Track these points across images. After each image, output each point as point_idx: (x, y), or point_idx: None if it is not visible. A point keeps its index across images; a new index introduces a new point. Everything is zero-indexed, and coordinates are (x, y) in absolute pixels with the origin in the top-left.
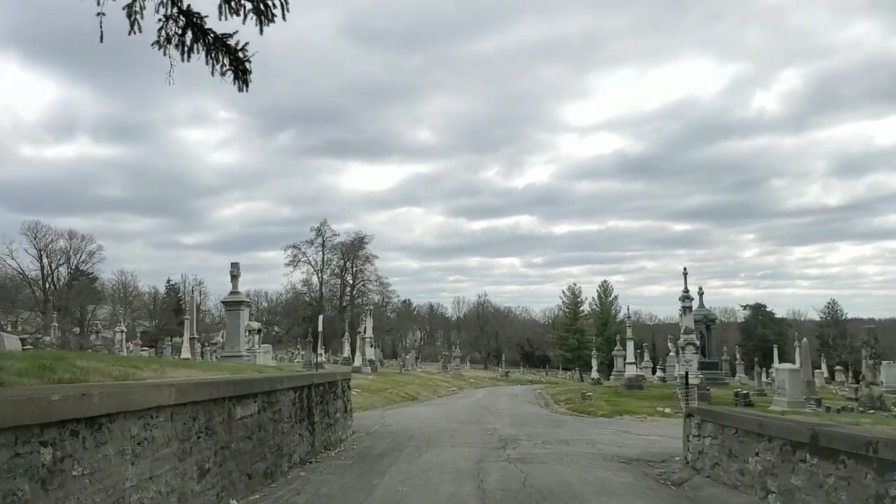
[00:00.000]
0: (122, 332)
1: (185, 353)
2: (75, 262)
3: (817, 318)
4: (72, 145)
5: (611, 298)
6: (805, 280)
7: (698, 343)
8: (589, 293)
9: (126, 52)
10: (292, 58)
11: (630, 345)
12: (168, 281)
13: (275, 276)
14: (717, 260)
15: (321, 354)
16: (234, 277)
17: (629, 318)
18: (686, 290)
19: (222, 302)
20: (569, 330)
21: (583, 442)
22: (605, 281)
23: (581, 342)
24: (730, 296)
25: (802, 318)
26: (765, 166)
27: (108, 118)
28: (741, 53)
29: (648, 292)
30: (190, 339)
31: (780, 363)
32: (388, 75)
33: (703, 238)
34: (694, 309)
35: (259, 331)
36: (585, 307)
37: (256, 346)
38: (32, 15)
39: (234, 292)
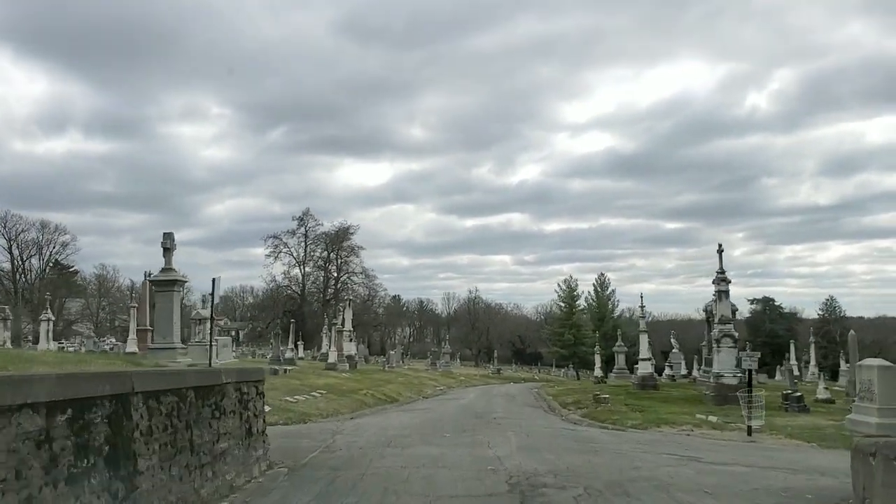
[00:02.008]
0: (48, 319)
1: (131, 347)
2: (48, 252)
3: (814, 316)
4: (63, 140)
5: (608, 292)
6: (794, 279)
7: (736, 335)
8: (582, 289)
9: (119, 47)
10: (287, 54)
11: (644, 339)
12: (147, 275)
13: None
14: (706, 258)
15: (292, 349)
16: (168, 251)
17: (643, 307)
18: (722, 271)
19: (151, 281)
20: (564, 325)
21: (648, 487)
22: (601, 274)
23: (577, 338)
24: None
25: (798, 316)
26: (756, 165)
27: (99, 113)
28: (736, 52)
29: (639, 290)
30: (138, 330)
31: (803, 360)
32: (382, 72)
33: (694, 236)
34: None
35: (213, 320)
36: (581, 302)
37: (208, 337)
38: (25, 10)
39: (167, 269)
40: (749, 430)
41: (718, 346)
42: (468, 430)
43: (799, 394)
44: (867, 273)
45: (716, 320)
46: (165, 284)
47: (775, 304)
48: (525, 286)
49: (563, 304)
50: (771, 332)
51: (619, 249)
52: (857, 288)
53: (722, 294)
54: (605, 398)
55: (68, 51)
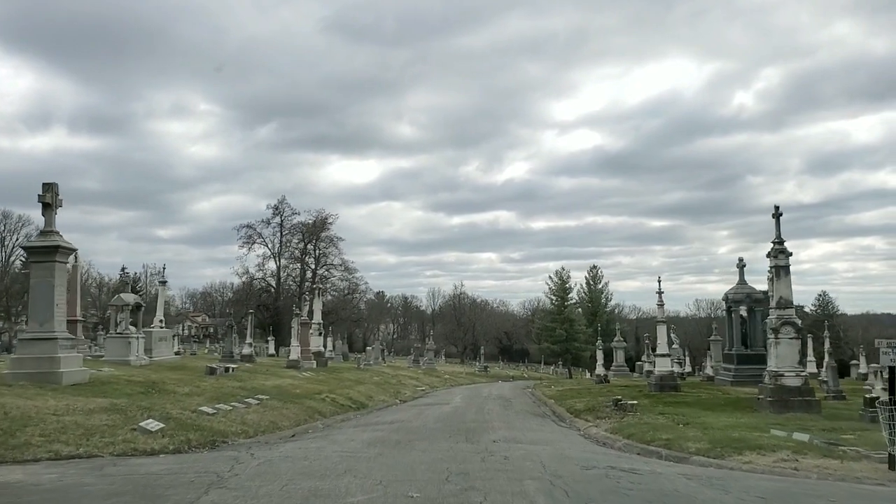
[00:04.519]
0: None
1: None
2: (10, 244)
3: (807, 311)
4: (48, 137)
5: (600, 286)
6: None
7: (799, 322)
8: (573, 282)
9: (105, 44)
10: (276, 51)
11: (663, 331)
12: (123, 269)
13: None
14: (691, 256)
15: (251, 344)
16: (48, 207)
17: (661, 292)
18: (780, 240)
19: (22, 247)
20: (556, 320)
21: None
22: (594, 266)
23: (570, 333)
24: (704, 291)
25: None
26: (742, 163)
27: (85, 110)
28: (723, 51)
29: (624, 288)
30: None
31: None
32: (371, 70)
33: (679, 234)
34: (735, 284)
35: (139, 307)
36: (573, 295)
37: (133, 329)
38: (10, 6)
39: (48, 231)
40: (892, 461)
41: (777, 338)
42: (454, 475)
43: None
44: (849, 270)
45: (773, 303)
46: (43, 252)
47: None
48: (511, 283)
49: (554, 298)
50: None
51: (604, 247)
52: (840, 285)
53: (780, 270)
54: (630, 405)
55: (54, 47)
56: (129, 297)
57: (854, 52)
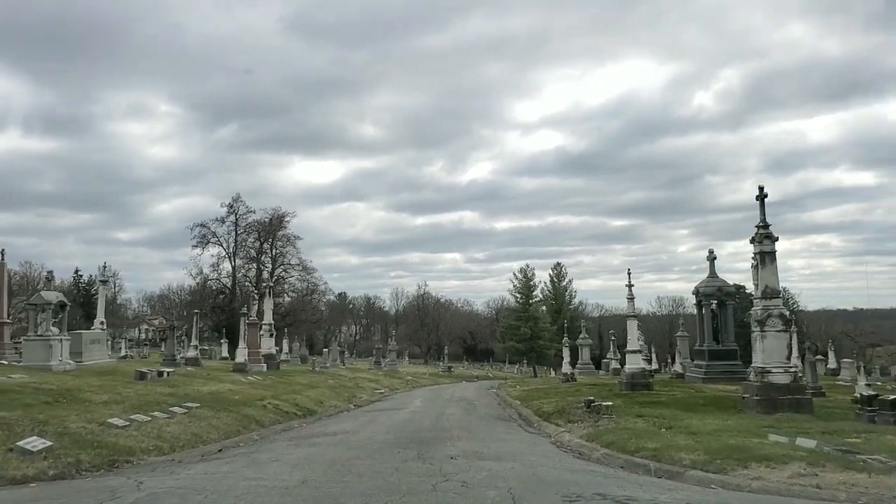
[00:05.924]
0: None
1: None
2: None
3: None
4: (1, 138)
5: (564, 283)
6: (735, 273)
7: (787, 314)
8: (538, 279)
9: (61, 43)
10: (235, 50)
11: (633, 326)
12: (76, 272)
13: None
14: (650, 255)
15: (195, 346)
16: None
17: (630, 285)
18: (765, 224)
19: None
20: (521, 318)
21: None
22: (558, 263)
23: (535, 332)
24: (664, 289)
25: None
26: (700, 163)
27: (41, 110)
28: (682, 52)
29: (586, 286)
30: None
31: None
32: (333, 70)
33: (639, 233)
34: (705, 277)
35: (63, 306)
36: (538, 293)
37: (55, 330)
38: None
39: None
40: None
41: (762, 331)
42: None
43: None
44: (806, 268)
45: (759, 293)
46: None
47: (746, 292)
48: (475, 283)
49: (518, 296)
50: (744, 323)
51: (566, 247)
52: (797, 282)
53: (766, 256)
54: (604, 406)
55: (8, 46)
56: (51, 296)
57: (808, 54)
